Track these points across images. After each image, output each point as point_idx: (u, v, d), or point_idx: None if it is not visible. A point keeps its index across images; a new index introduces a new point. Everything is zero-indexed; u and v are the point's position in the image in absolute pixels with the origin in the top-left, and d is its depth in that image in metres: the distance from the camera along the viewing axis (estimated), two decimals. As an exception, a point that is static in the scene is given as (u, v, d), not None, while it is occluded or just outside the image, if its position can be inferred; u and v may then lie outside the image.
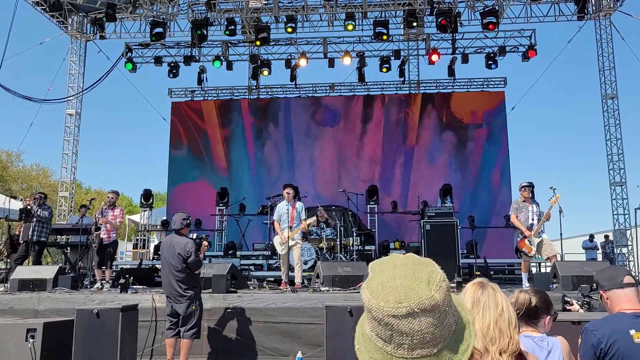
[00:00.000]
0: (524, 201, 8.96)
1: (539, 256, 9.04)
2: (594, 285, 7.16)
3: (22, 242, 10.39)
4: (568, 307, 6.35)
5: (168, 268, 6.39)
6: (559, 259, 9.00)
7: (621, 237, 15.63)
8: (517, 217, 8.95)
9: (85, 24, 17.76)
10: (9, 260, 13.34)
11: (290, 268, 9.21)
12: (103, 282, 9.25)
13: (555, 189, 8.82)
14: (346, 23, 15.38)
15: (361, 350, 1.04)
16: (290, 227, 9.01)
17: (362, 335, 1.05)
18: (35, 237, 9.99)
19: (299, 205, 9.30)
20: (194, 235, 6.93)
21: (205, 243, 6.68)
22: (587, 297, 6.44)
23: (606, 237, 16.95)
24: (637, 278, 3.35)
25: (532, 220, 8.82)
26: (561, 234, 9.34)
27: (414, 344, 0.97)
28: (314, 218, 9.89)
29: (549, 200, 8.71)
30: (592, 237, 17.66)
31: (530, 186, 9.01)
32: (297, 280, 9.03)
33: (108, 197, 9.56)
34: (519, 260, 14.11)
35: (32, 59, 75.83)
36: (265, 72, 18.09)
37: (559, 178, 75.91)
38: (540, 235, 8.81)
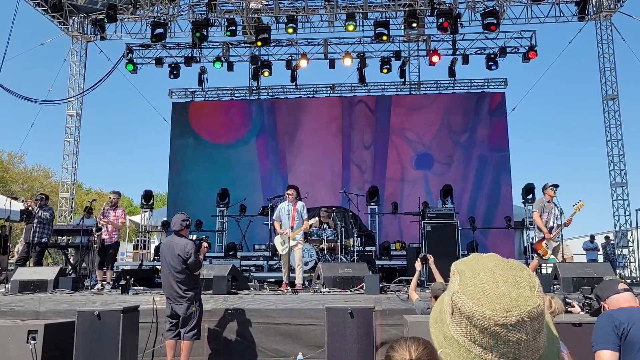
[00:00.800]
0: (548, 201, 8.80)
1: (552, 257, 8.95)
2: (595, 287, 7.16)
3: (23, 243, 10.40)
4: (569, 309, 6.35)
5: (168, 269, 6.39)
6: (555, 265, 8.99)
7: (622, 238, 15.62)
8: (540, 217, 8.78)
9: (86, 25, 17.78)
10: None
11: (291, 269, 9.21)
12: (104, 283, 9.25)
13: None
14: (347, 24, 15.39)
15: (449, 356, 0.99)
16: (292, 228, 9.01)
17: (447, 339, 1.00)
18: (36, 239, 9.99)
19: (300, 205, 9.30)
20: (194, 237, 6.92)
21: (205, 244, 6.67)
22: (588, 298, 6.42)
23: (607, 238, 16.95)
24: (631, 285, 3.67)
25: (553, 223, 8.71)
26: (562, 235, 9.34)
27: (519, 352, 0.94)
28: (316, 219, 9.89)
29: (573, 206, 8.57)
30: (592, 238, 17.64)
31: (557, 186, 8.84)
32: (298, 281, 9.03)
33: (109, 198, 9.52)
34: (520, 261, 14.12)
35: (32, 60, 75.91)
36: (266, 73, 18.10)
37: (560, 179, 75.84)
38: (557, 240, 8.74)
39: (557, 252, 8.78)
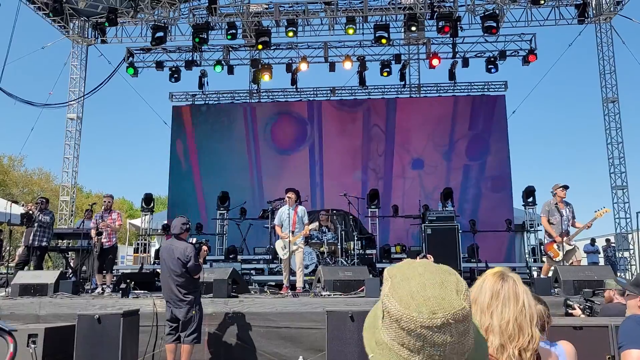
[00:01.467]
0: (556, 204, 8.66)
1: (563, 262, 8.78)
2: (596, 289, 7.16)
3: (23, 246, 10.40)
4: (570, 312, 6.35)
5: (168, 273, 6.38)
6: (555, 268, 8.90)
7: (623, 240, 15.61)
8: (548, 220, 8.69)
9: (87, 29, 17.82)
10: None
11: (292, 272, 9.20)
12: (104, 286, 9.25)
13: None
14: (347, 27, 15.42)
15: None
16: (292, 232, 9.01)
17: (378, 344, 1.01)
18: (36, 242, 9.99)
19: (300, 209, 9.30)
20: (194, 240, 6.92)
21: (204, 248, 6.67)
22: (589, 301, 6.42)
23: (608, 240, 16.94)
24: None
25: (567, 225, 8.55)
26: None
27: (445, 354, 0.95)
28: (317, 223, 9.88)
29: (596, 212, 8.42)
30: (593, 241, 17.64)
31: (567, 187, 8.73)
32: (299, 284, 9.02)
33: (104, 202, 9.64)
34: (521, 264, 14.15)
35: (33, 63, 76.07)
36: (266, 76, 18.11)
37: (560, 181, 75.66)
38: (572, 244, 8.61)
39: (570, 256, 8.60)
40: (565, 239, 8.55)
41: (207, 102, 19.93)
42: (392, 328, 0.98)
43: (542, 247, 10.28)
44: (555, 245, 8.64)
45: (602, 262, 16.61)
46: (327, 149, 18.60)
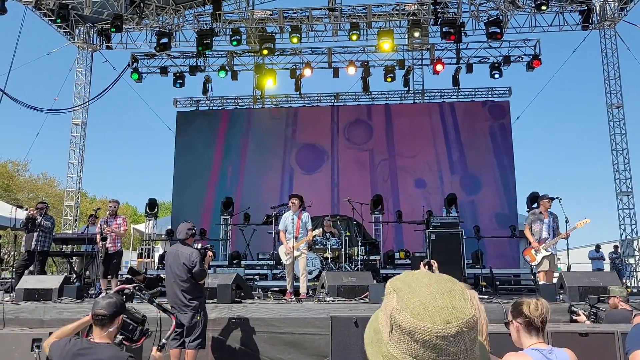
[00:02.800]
0: (540, 212, 9.07)
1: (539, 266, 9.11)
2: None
3: (24, 251, 10.42)
4: (575, 318, 6.32)
5: (173, 278, 6.38)
6: (553, 278, 9.08)
7: (628, 247, 15.54)
8: (530, 229, 9.10)
9: (92, 35, 17.92)
10: None
11: (296, 278, 9.19)
12: (108, 291, 9.25)
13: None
14: (350, 33, 15.46)
15: None
16: (296, 238, 9.00)
17: (385, 358, 0.99)
18: (39, 247, 10.00)
19: (304, 215, 9.30)
20: (199, 245, 6.93)
21: (210, 253, 6.66)
22: (594, 307, 6.39)
23: (616, 247, 16.88)
24: None
25: (547, 233, 8.93)
26: (567, 245, 9.32)
27: None
28: (320, 230, 9.86)
29: (577, 222, 8.80)
30: (598, 247, 17.56)
31: (553, 199, 9.14)
32: (302, 290, 9.01)
33: (110, 207, 9.65)
34: (525, 270, 14.09)
35: (38, 69, 76.47)
36: (270, 82, 18.16)
37: (565, 188, 75.71)
38: (550, 250, 8.89)
39: (552, 262, 8.94)
40: (542, 245, 8.87)
41: (211, 107, 19.99)
42: (404, 341, 0.96)
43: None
44: (532, 251, 9.01)
45: (607, 268, 16.52)
46: (332, 155, 18.61)
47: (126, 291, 5.18)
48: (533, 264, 9.14)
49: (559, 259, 9.53)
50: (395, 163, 18.37)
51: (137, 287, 5.14)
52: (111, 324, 3.33)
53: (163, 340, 4.35)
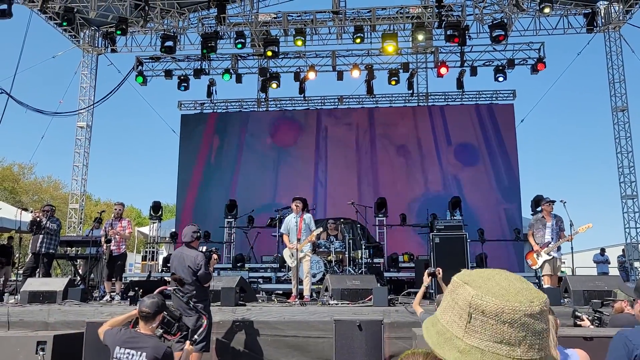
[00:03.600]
0: (543, 216, 9.07)
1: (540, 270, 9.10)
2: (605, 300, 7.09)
3: (30, 254, 10.45)
4: (579, 323, 6.28)
5: (177, 281, 6.39)
6: (555, 281, 9.04)
7: (633, 250, 15.48)
8: (532, 233, 9.11)
9: (97, 38, 18.00)
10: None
11: (300, 281, 9.19)
12: (112, 294, 9.27)
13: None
14: (355, 36, 15.47)
15: None
16: (299, 239, 9.01)
17: (464, 352, 0.98)
18: (44, 249, 10.03)
19: (306, 217, 9.31)
20: (204, 248, 6.95)
21: (215, 256, 6.67)
22: (598, 312, 6.35)
23: (624, 250, 16.80)
24: None
25: (550, 237, 8.90)
26: (572, 248, 9.30)
27: (542, 343, 0.97)
28: (320, 229, 9.85)
29: (579, 227, 8.80)
30: (603, 250, 17.49)
31: (554, 202, 9.11)
32: (306, 293, 9.00)
33: (115, 209, 9.67)
34: (530, 274, 14.04)
35: (44, 72, 76.82)
36: (274, 85, 18.19)
37: (570, 191, 75.45)
38: (551, 254, 8.83)
39: (554, 266, 8.91)
40: (544, 249, 8.84)
41: (215, 110, 20.03)
42: (488, 326, 0.97)
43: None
44: (534, 254, 9.01)
45: (612, 272, 16.45)
46: (336, 158, 18.61)
47: (166, 292, 5.81)
48: (534, 267, 9.16)
49: (563, 262, 9.47)
50: (399, 165, 18.35)
51: (175, 290, 6.09)
52: (153, 320, 4.06)
53: (195, 336, 5.31)
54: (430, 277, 6.47)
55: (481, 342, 0.97)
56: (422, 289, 6.54)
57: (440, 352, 1.02)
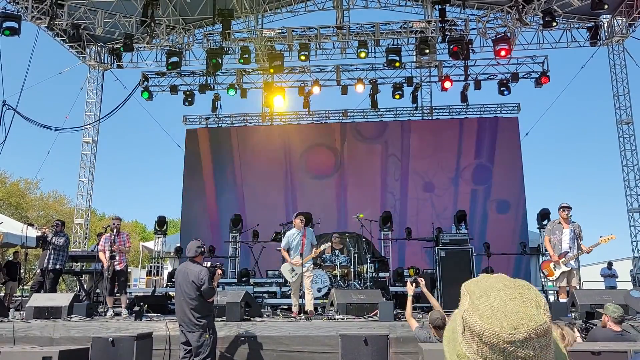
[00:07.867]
0: (559, 222, 8.74)
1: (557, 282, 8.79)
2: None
3: (38, 269, 10.46)
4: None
5: (182, 296, 6.38)
6: (564, 293, 8.75)
7: (641, 264, 15.35)
8: (550, 239, 8.73)
9: (103, 54, 18.17)
10: (3, 286, 13.42)
11: (302, 295, 9.15)
12: (118, 309, 9.24)
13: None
14: (359, 51, 15.57)
15: None
16: (301, 255, 8.98)
17: (459, 356, 1.03)
18: (50, 265, 10.04)
19: (309, 232, 9.31)
20: (208, 263, 6.97)
21: (219, 271, 6.67)
22: (589, 323, 6.30)
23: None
24: None
25: (568, 245, 8.54)
26: (578, 262, 9.20)
27: None
28: (329, 244, 9.82)
29: (601, 237, 8.31)
30: (610, 264, 17.34)
31: (570, 207, 8.74)
32: (308, 307, 8.93)
33: (113, 224, 9.58)
34: (536, 288, 13.94)
35: (50, 88, 77.43)
36: (279, 100, 18.26)
37: (575, 204, 74.79)
38: (569, 266, 8.56)
39: (571, 278, 8.58)
40: (562, 259, 8.53)
41: (220, 125, 20.12)
42: (474, 342, 0.99)
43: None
44: (551, 265, 8.65)
45: (623, 286, 16.29)
46: (341, 172, 18.63)
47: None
48: (551, 278, 8.72)
49: (575, 274, 9.10)
50: (407, 181, 18.34)
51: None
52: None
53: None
54: (413, 284, 6.51)
55: (471, 353, 1.00)
56: (410, 300, 6.53)
57: (445, 349, 1.08)
